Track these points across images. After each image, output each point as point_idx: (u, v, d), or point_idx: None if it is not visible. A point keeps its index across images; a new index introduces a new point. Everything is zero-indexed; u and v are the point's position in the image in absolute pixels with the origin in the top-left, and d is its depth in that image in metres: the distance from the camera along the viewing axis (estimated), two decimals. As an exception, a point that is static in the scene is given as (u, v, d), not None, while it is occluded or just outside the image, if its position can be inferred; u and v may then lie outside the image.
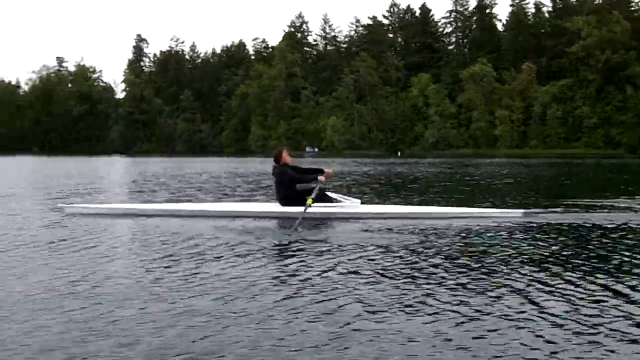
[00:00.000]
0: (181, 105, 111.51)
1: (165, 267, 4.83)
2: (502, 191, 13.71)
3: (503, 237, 6.42)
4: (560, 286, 4.12)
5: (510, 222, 7.55)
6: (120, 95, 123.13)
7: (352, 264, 4.96)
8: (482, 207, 8.99)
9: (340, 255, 5.37)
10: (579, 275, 4.46)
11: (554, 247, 5.75)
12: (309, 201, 7.80)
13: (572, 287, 4.08)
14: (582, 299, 3.80)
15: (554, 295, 3.88)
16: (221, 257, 5.27)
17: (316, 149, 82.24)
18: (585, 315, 3.44)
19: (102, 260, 5.16)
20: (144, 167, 31.90)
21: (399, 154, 68.62)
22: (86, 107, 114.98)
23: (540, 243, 5.99)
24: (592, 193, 12.80)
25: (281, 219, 7.94)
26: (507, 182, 17.38)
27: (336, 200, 8.43)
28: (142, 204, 9.99)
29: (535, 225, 7.32)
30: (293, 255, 5.40)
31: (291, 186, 8.34)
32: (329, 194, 8.57)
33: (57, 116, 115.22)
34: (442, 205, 9.43)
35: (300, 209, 7.76)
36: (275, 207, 8.46)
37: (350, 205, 8.35)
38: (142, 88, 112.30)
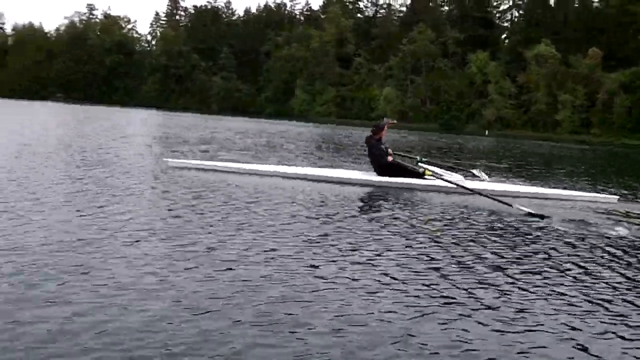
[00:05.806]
0: (219, 63, 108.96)
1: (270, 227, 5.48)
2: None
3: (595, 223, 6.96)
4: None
5: (605, 207, 8.24)
6: (152, 48, 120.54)
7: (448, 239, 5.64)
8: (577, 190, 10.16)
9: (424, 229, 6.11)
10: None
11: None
12: (428, 173, 9.00)
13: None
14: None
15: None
16: (324, 221, 5.96)
17: (394, 121, 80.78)
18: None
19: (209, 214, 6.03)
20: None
21: (486, 132, 66.65)
22: (120, 57, 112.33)
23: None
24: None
25: (378, 187, 8.88)
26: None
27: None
28: (244, 164, 10.49)
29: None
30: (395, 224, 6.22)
31: (384, 157, 9.33)
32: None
33: (89, 64, 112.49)
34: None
35: (395, 179, 8.93)
36: (372, 176, 9.40)
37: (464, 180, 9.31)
38: (179, 42, 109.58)
